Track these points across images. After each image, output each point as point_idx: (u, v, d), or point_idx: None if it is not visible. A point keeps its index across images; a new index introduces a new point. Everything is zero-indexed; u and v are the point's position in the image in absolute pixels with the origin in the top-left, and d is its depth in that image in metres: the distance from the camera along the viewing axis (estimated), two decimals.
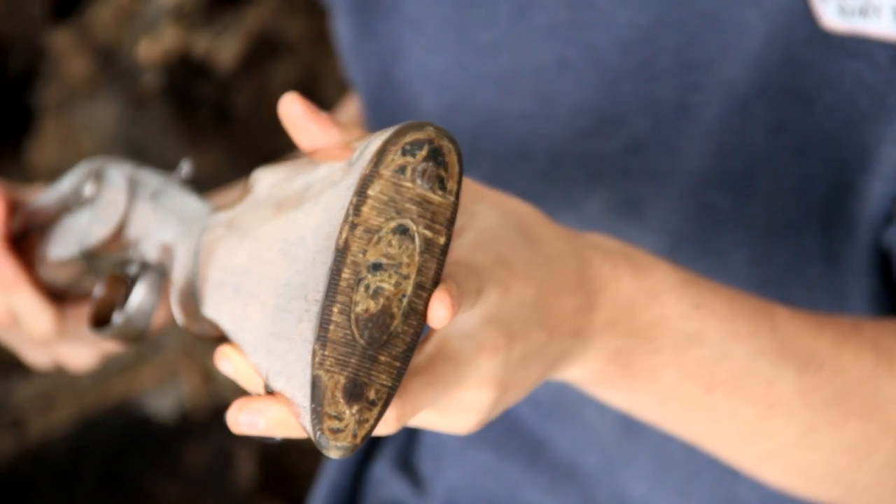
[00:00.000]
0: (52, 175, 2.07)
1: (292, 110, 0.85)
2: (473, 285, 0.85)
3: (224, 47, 2.08)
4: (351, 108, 1.50)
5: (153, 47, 2.05)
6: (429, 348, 0.87)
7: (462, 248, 0.88)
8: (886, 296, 1.19)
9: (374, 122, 1.33)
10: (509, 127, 1.25)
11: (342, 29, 1.33)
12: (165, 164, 1.96)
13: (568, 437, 1.23)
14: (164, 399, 2.17)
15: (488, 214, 0.91)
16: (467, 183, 0.90)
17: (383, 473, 1.52)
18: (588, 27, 1.21)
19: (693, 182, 1.19)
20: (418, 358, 0.86)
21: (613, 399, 1.02)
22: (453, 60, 1.27)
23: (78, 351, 1.20)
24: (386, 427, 0.85)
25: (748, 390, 1.02)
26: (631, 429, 1.25)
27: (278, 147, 1.98)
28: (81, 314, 1.13)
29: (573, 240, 0.94)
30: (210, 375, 2.01)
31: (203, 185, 2.01)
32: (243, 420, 0.84)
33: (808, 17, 1.14)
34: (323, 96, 2.11)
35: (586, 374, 0.97)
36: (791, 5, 1.14)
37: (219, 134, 2.08)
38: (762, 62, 1.16)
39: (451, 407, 0.90)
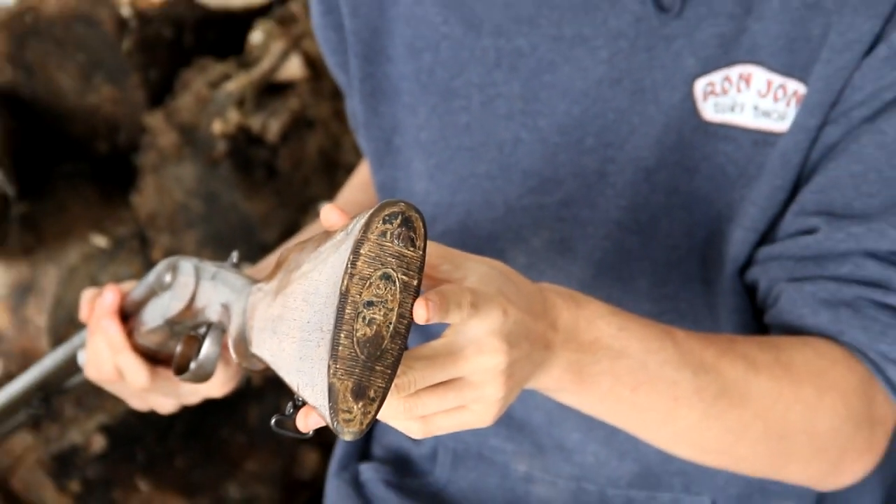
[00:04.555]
0: (152, 217, 2.11)
1: (331, 217, 0.89)
2: (467, 300, 0.87)
3: (272, 123, 2.11)
4: (363, 169, 1.53)
5: (222, 125, 2.11)
6: (436, 343, 0.89)
7: (470, 282, 0.91)
8: (746, 310, 1.22)
9: (378, 177, 1.35)
10: (478, 185, 1.26)
11: (357, 109, 1.34)
12: (233, 209, 1.99)
13: (520, 401, 1.20)
14: None
15: (480, 267, 0.93)
16: (454, 252, 0.94)
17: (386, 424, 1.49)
18: (535, 115, 1.21)
19: (611, 228, 1.21)
20: (424, 348, 0.88)
21: (568, 400, 1.04)
22: (438, 135, 1.27)
23: (163, 400, 1.21)
24: (395, 411, 0.87)
25: (660, 389, 1.03)
26: None
27: (312, 195, 2.18)
28: (166, 373, 1.16)
29: (535, 283, 0.97)
30: None
31: (258, 223, 2.14)
32: (303, 420, 0.87)
33: (692, 111, 1.16)
34: (343, 159, 2.19)
35: (552, 381, 0.98)
36: (680, 103, 1.16)
37: (269, 186, 2.15)
38: (661, 144, 1.17)
39: (475, 401, 0.90)
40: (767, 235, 1.17)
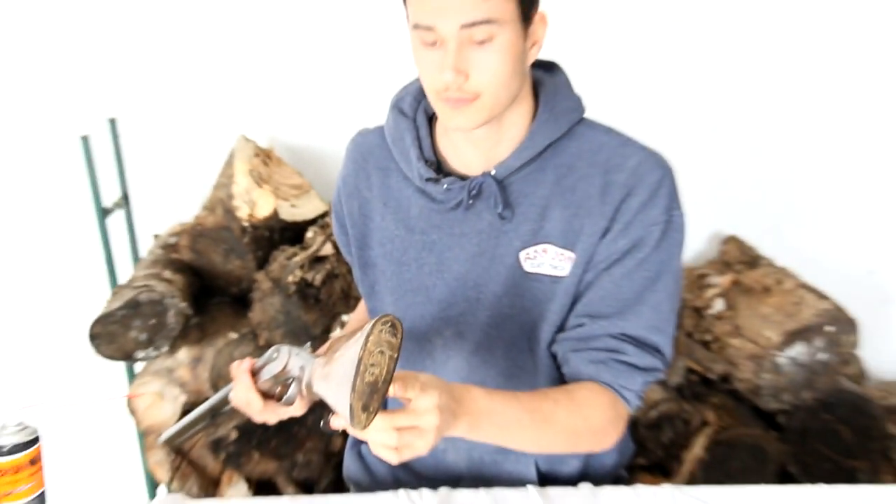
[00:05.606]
0: (259, 324, 1.94)
1: None
2: (418, 385, 0.89)
3: (317, 277, 1.81)
4: (361, 302, 1.37)
5: (292, 278, 1.87)
6: (408, 406, 0.88)
7: (425, 377, 0.89)
8: (553, 365, 1.15)
9: (368, 305, 1.27)
10: (416, 309, 1.18)
11: (356, 274, 1.25)
12: (298, 319, 1.97)
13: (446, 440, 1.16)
14: None
15: (426, 375, 0.89)
16: (413, 374, 0.92)
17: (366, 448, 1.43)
18: (443, 272, 1.14)
19: (482, 326, 1.15)
20: (398, 412, 0.86)
21: (470, 437, 0.97)
22: (396, 285, 1.20)
23: (271, 416, 1.07)
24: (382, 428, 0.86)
25: (514, 425, 1.00)
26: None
27: (338, 311, 2.03)
28: (272, 403, 1.06)
29: (448, 384, 0.94)
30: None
31: (311, 326, 2.02)
32: (335, 423, 0.85)
33: (519, 267, 1.08)
34: (353, 294, 1.95)
35: (459, 432, 0.95)
36: (514, 264, 1.09)
37: (316, 307, 1.87)
38: (505, 284, 1.11)
39: (420, 437, 0.86)
40: (561, 328, 1.16)
